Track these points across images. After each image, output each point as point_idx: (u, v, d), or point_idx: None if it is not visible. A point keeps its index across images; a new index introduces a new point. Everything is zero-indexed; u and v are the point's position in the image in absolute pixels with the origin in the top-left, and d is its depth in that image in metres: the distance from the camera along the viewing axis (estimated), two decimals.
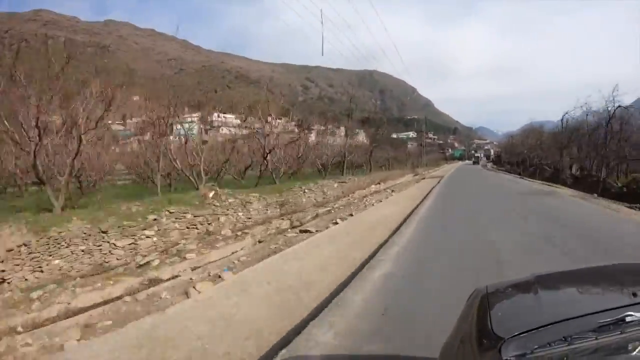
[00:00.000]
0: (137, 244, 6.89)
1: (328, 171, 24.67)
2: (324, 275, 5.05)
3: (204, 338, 3.27)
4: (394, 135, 61.26)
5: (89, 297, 4.84)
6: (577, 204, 12.88)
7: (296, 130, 24.94)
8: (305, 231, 8.56)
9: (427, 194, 15.97)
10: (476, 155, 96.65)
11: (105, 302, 4.74)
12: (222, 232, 8.54)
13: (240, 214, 9.85)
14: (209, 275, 5.50)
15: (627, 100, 23.71)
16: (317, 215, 11.18)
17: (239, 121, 26.61)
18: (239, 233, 8.63)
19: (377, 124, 35.32)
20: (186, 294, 4.66)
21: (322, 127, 32.14)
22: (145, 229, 7.22)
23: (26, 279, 5.40)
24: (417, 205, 12.11)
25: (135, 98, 20.43)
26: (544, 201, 13.18)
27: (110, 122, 20.95)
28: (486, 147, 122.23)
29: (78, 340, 3.65)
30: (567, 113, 30.27)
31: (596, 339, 0.93)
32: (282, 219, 10.55)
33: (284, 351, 2.89)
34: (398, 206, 12.14)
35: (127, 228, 6.94)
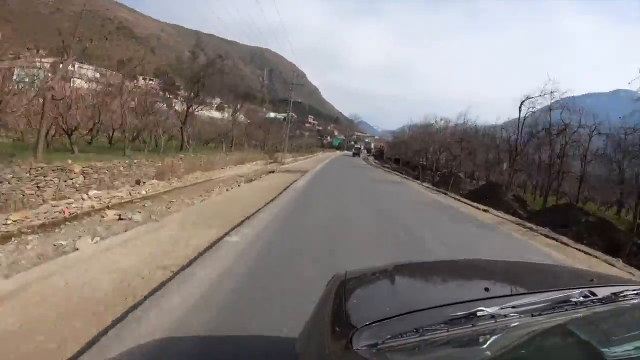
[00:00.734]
0: None
1: (161, 148, 19.65)
2: None
3: None
4: (272, 114, 54.44)
5: None
6: None
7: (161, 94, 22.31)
8: None
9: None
10: (357, 146, 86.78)
11: None
12: None
13: None
14: None
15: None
16: None
17: (97, 74, 22.66)
18: None
19: (258, 102, 33.64)
20: None
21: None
22: None
23: None
24: None
25: None
26: None
27: None
28: (366, 140, 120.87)
29: None
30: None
31: (447, 331, 0.93)
32: None
33: None
34: None
35: None
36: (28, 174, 7.36)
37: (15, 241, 5.48)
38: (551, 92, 20.00)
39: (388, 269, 1.47)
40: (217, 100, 32.09)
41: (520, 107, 21.71)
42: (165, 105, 23.82)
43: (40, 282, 3.27)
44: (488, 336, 0.90)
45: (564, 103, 20.43)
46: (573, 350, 0.96)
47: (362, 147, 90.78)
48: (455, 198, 17.35)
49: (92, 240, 5.29)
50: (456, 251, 6.29)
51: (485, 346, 0.88)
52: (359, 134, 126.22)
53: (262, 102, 31.53)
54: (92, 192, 8.91)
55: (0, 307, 2.77)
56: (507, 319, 0.98)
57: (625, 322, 1.10)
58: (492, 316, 0.97)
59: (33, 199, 7.32)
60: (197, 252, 4.45)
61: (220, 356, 2.45)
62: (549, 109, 20.90)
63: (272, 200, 9.07)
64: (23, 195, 7.14)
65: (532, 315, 1.00)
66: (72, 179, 8.56)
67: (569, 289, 1.16)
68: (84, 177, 8.97)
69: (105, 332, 2.53)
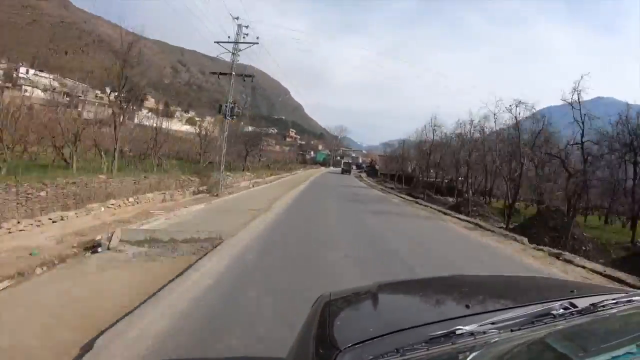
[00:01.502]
0: None
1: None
2: None
3: None
4: (250, 128, 48.33)
5: None
6: None
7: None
8: None
9: None
10: (345, 161, 73.42)
11: None
12: None
13: None
14: None
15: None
16: None
17: (57, 84, 21.63)
18: None
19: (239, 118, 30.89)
20: None
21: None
22: None
23: None
24: None
25: None
26: None
27: None
28: (353, 155, 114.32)
29: None
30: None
31: (428, 349, 0.94)
32: None
33: None
34: None
35: None
36: None
37: None
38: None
39: (371, 289, 1.48)
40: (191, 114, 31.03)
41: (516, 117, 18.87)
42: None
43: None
44: (467, 353, 0.91)
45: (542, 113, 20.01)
46: None
47: (350, 161, 79.85)
48: None
49: None
50: None
51: None
52: (344, 149, 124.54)
53: (241, 118, 29.39)
54: None
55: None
56: (486, 335, 0.99)
57: (602, 333, 1.11)
58: (472, 333, 0.98)
59: None
60: None
61: None
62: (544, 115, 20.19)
63: None
64: None
65: (512, 331, 1.01)
66: None
67: (550, 301, 1.18)
68: None
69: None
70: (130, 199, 11.19)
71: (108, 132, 16.59)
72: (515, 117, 19.28)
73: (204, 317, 3.70)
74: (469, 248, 9.54)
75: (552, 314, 1.09)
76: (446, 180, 35.41)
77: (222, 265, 5.56)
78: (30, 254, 5.79)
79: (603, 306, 1.15)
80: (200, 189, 15.87)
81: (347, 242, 8.34)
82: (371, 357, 0.94)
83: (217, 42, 16.62)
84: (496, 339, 0.99)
